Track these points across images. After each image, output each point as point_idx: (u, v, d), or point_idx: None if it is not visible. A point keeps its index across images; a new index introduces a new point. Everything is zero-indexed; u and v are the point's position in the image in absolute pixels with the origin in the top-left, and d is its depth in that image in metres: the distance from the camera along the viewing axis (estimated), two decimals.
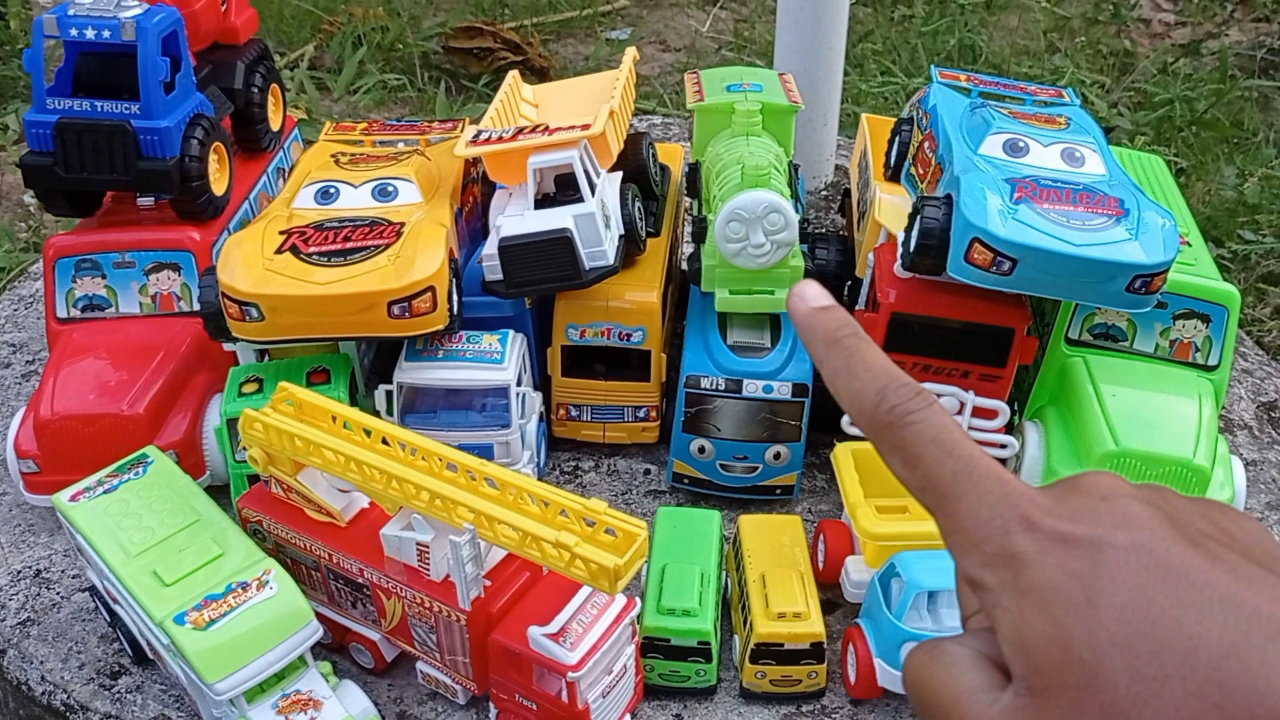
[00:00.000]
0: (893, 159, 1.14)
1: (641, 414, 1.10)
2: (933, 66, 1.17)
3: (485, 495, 0.78)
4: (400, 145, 1.16)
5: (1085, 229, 0.90)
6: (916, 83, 2.30)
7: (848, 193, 1.36)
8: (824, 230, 1.45)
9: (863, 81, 2.30)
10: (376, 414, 1.00)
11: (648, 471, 1.11)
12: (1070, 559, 0.33)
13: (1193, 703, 0.30)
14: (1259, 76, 2.40)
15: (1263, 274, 1.69)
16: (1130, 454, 0.95)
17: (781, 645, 0.86)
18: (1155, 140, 2.10)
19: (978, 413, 1.01)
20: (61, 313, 1.06)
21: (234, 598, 0.79)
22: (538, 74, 2.50)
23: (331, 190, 1.01)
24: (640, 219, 1.07)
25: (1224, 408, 1.21)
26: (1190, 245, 1.11)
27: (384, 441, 0.82)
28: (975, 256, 0.90)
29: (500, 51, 2.58)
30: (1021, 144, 0.99)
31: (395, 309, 0.91)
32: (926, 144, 1.06)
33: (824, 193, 1.60)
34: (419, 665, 0.87)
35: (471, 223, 1.11)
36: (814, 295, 0.42)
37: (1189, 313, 1.04)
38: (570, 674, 0.76)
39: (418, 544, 0.80)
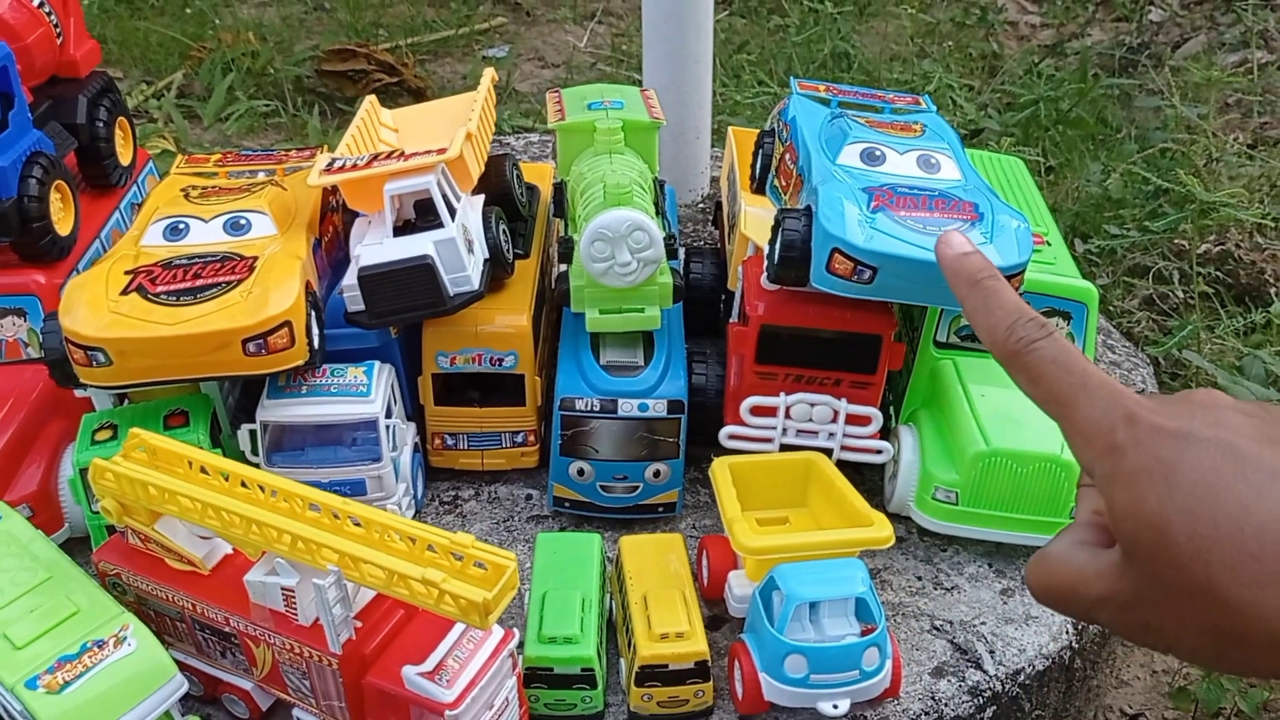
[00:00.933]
0: (757, 171, 1.15)
1: (519, 439, 1.08)
2: (791, 78, 1.18)
3: (350, 535, 0.76)
4: (259, 175, 1.13)
5: None
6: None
7: (720, 205, 1.37)
8: (700, 244, 1.46)
9: (738, 93, 2.32)
10: (242, 455, 0.97)
11: (529, 497, 1.09)
12: (1160, 447, 0.40)
13: (1237, 554, 0.37)
14: (1119, 75, 2.48)
15: (1129, 266, 1.74)
16: (1001, 453, 0.97)
17: (666, 666, 0.85)
18: (1023, 140, 2.15)
19: (851, 420, 1.02)
20: None
21: (90, 657, 0.76)
22: (414, 94, 2.47)
23: (181, 226, 0.98)
24: (506, 241, 1.06)
25: None
26: (1050, 244, 1.13)
27: (243, 484, 0.80)
28: (836, 266, 0.91)
29: (375, 73, 2.54)
30: (878, 153, 1.00)
31: (250, 347, 0.88)
32: (787, 155, 1.07)
33: (701, 205, 1.61)
34: (295, 712, 0.84)
35: (333, 253, 1.08)
36: (958, 243, 0.49)
37: (1050, 311, 1.06)
38: (448, 712, 0.74)
39: (283, 589, 0.78)
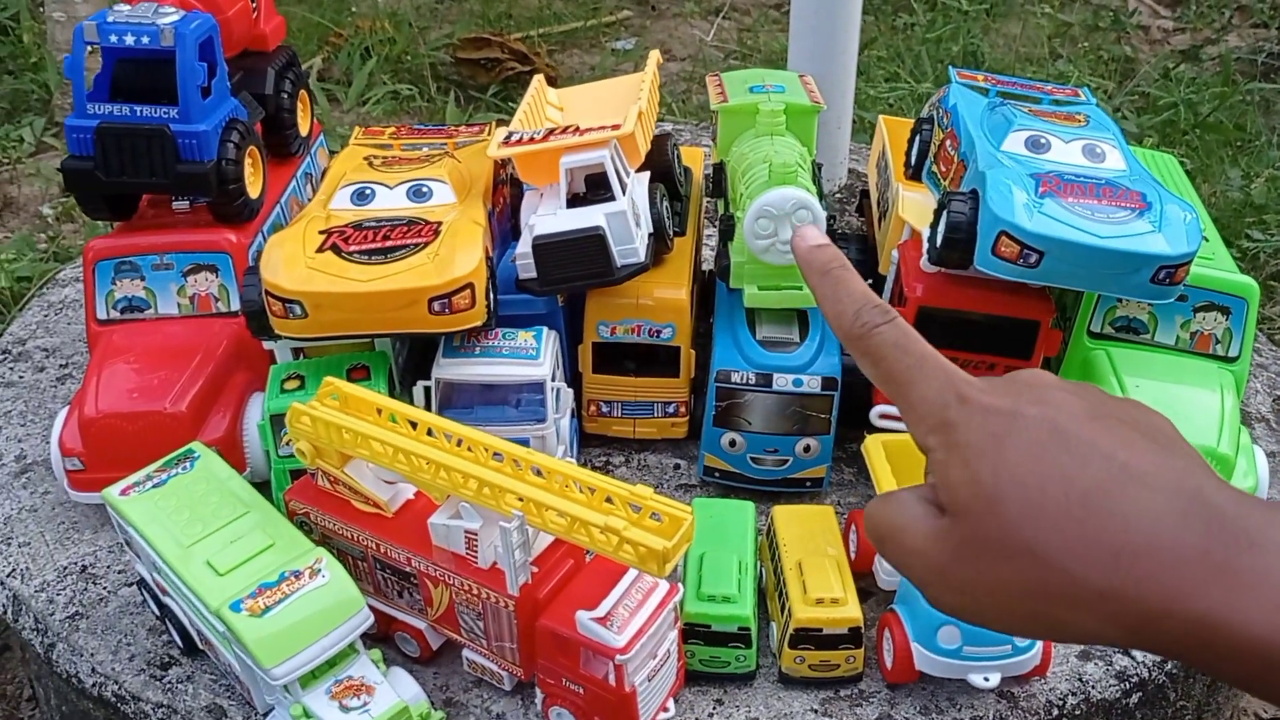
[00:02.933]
0: (913, 158, 1.16)
1: (671, 409, 1.11)
2: (950, 67, 1.19)
3: (532, 482, 0.80)
4: (425, 150, 1.18)
5: (1109, 222, 0.92)
6: (924, 88, 2.33)
7: (865, 194, 1.39)
8: (843, 230, 1.48)
9: (870, 87, 2.33)
10: None
11: (677, 466, 1.13)
12: (990, 423, 0.43)
13: (1063, 517, 0.40)
14: (1260, 81, 2.43)
15: (1272, 272, 1.71)
16: None
17: (820, 630, 0.87)
18: (1161, 143, 2.12)
19: None
20: (102, 314, 1.08)
21: (287, 585, 0.81)
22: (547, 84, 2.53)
23: (367, 191, 1.03)
24: (669, 217, 1.09)
25: (1241, 400, 1.23)
26: (1207, 240, 1.13)
27: (429, 433, 0.84)
28: (1002, 249, 0.93)
29: (508, 62, 2.60)
30: (1043, 140, 1.01)
31: (436, 305, 0.93)
32: (948, 142, 1.08)
33: (838, 195, 1.63)
34: (465, 653, 0.88)
35: (502, 223, 1.13)
36: (812, 236, 0.52)
37: (1209, 305, 1.06)
38: (619, 656, 0.78)
39: (466, 532, 0.82)
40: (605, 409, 1.12)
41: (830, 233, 1.03)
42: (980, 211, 0.94)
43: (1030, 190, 0.94)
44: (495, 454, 0.82)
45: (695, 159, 1.31)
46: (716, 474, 1.07)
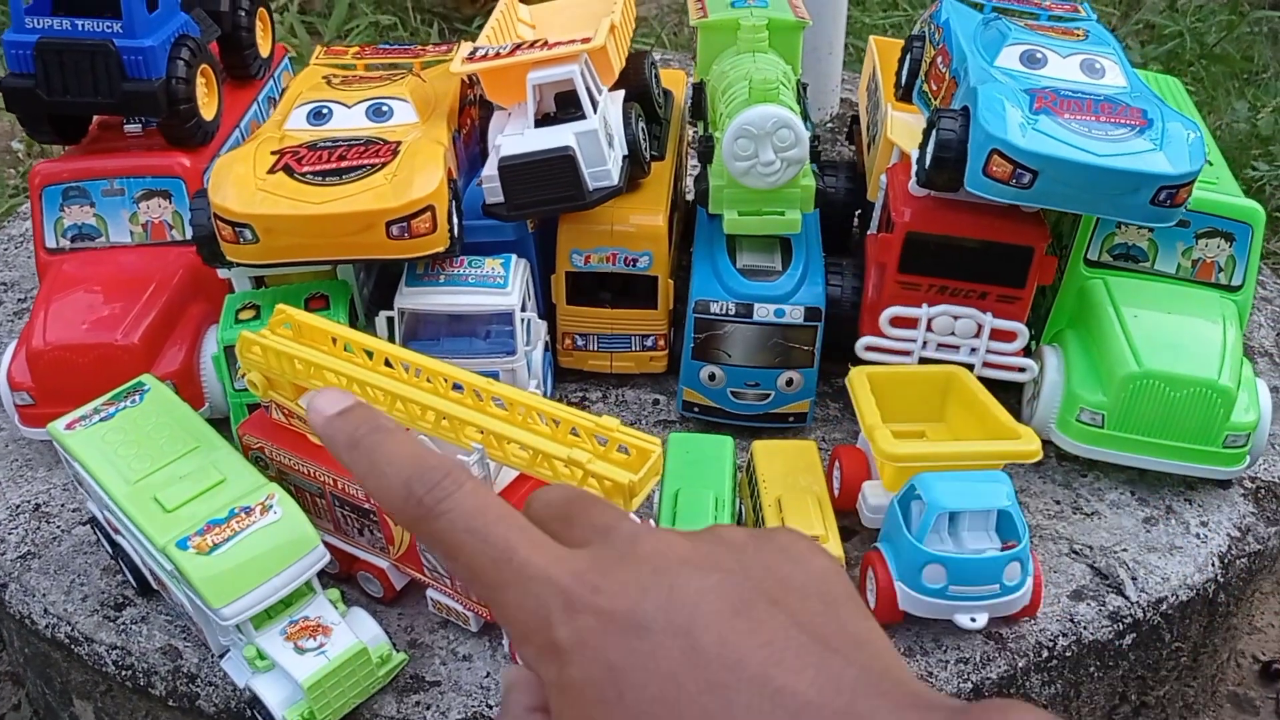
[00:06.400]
0: (904, 77, 1.11)
1: (649, 343, 1.07)
2: None
3: (494, 415, 0.75)
4: (397, 68, 1.12)
5: (1107, 139, 0.87)
6: (920, 13, 2.26)
7: (855, 119, 1.33)
8: (832, 159, 1.42)
9: (865, 15, 2.26)
10: None
11: (656, 401, 1.08)
12: (608, 647, 0.32)
13: None
14: (1268, 9, 2.35)
15: (1279, 204, 1.66)
16: (1153, 375, 0.93)
17: None
18: (1165, 73, 2.06)
19: (996, 335, 0.98)
20: (51, 243, 1.03)
21: (237, 522, 0.77)
22: None
23: (324, 111, 0.97)
24: (644, 139, 1.04)
25: (1244, 332, 1.19)
26: (1211, 164, 1.08)
27: (387, 363, 0.79)
28: (994, 169, 0.88)
29: None
30: (1039, 55, 0.96)
31: (394, 229, 0.88)
32: (939, 59, 1.03)
33: (829, 124, 1.57)
34: (429, 593, 0.85)
35: (470, 146, 1.08)
36: (327, 403, 0.40)
37: (1212, 231, 1.01)
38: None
39: None
40: (581, 342, 1.07)
41: (814, 156, 0.98)
42: (971, 129, 0.88)
43: (1024, 106, 0.88)
44: (455, 385, 0.77)
45: (677, 82, 1.26)
46: (696, 409, 1.03)
